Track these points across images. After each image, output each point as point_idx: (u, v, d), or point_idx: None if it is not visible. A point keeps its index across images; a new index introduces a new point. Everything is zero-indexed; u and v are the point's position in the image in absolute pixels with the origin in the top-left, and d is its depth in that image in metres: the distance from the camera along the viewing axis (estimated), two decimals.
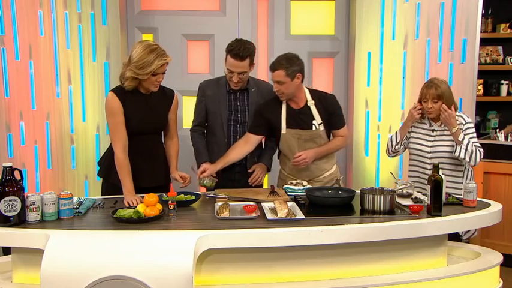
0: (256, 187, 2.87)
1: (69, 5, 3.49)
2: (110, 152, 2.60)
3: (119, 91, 2.52)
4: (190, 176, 2.65)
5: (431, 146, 2.82)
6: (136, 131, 2.54)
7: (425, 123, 2.88)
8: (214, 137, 2.91)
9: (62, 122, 3.57)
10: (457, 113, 2.83)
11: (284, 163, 2.93)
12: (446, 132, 2.80)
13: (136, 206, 2.20)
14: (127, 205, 2.32)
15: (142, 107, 2.55)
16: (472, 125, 2.83)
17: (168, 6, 3.78)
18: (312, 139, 2.78)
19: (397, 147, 2.94)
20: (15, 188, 2.01)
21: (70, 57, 3.53)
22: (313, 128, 2.77)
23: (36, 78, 3.50)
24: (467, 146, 2.67)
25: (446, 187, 2.52)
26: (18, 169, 2.07)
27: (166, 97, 2.66)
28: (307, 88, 2.84)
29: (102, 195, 2.67)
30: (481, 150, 2.76)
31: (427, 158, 2.82)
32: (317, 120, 2.77)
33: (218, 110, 2.85)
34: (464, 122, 2.79)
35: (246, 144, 2.80)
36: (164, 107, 2.65)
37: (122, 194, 2.46)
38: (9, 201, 1.98)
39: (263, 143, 3.02)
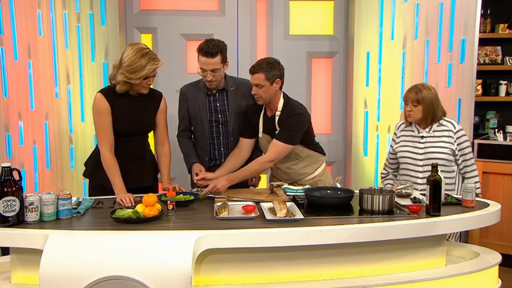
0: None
1: (68, 5, 3.49)
2: (95, 152, 2.61)
3: (107, 92, 2.52)
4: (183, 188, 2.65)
5: (422, 154, 2.79)
6: (124, 132, 2.54)
7: (413, 130, 2.85)
8: (197, 141, 2.91)
9: (61, 122, 3.57)
10: (446, 119, 2.81)
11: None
12: (436, 138, 2.77)
13: (131, 206, 2.21)
14: (120, 203, 2.33)
15: (130, 108, 2.55)
16: (464, 132, 2.79)
17: (167, 6, 3.78)
18: None
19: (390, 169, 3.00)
20: (14, 188, 2.00)
21: (69, 58, 3.53)
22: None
23: (35, 79, 3.50)
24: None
25: None
26: (17, 169, 2.07)
27: (154, 99, 2.66)
28: (285, 98, 2.75)
29: (89, 195, 2.66)
30: (477, 173, 2.81)
31: (418, 165, 2.80)
32: (278, 130, 2.71)
33: (199, 112, 2.84)
34: (454, 130, 2.76)
35: (240, 150, 2.81)
36: (151, 109, 2.65)
37: (109, 194, 2.46)
38: (8, 201, 1.98)
39: None
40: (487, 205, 2.37)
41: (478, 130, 4.17)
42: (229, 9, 3.78)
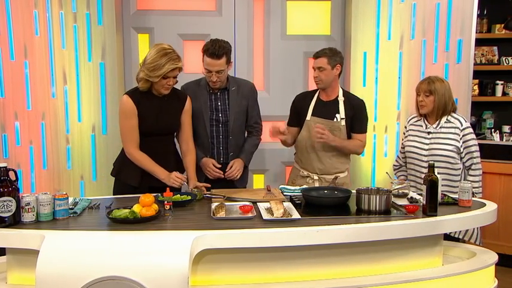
0: (233, 182, 2.90)
1: (65, 5, 3.48)
2: (122, 152, 2.68)
3: (133, 93, 2.59)
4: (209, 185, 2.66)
5: (427, 149, 2.82)
6: (149, 132, 2.60)
7: (421, 125, 2.89)
8: (198, 139, 2.91)
9: (58, 122, 3.56)
10: (455, 115, 2.83)
11: (298, 157, 3.03)
12: (442, 135, 2.80)
13: (183, 183, 2.49)
14: (177, 184, 2.49)
15: (155, 108, 2.60)
16: (471, 129, 2.82)
17: (164, 6, 3.77)
18: (331, 130, 2.86)
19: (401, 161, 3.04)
20: (10, 189, 2.00)
21: (65, 57, 3.52)
22: (335, 119, 2.88)
23: (31, 78, 3.49)
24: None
25: (443, 189, 2.52)
26: (13, 169, 2.06)
27: (179, 99, 2.71)
28: (342, 88, 2.99)
29: (114, 194, 2.71)
30: (480, 172, 2.83)
31: (423, 161, 2.82)
32: (341, 114, 2.89)
33: (200, 111, 2.85)
34: (461, 127, 2.78)
35: (290, 135, 2.96)
36: (177, 109, 2.70)
37: (133, 193, 2.52)
38: (4, 201, 1.97)
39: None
40: (484, 205, 2.38)
41: (475, 130, 4.16)
42: (226, 9, 3.78)
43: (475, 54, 3.84)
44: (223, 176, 2.85)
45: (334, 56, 2.84)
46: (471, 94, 3.75)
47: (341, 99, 2.92)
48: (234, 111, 2.88)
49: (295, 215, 2.13)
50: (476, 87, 4.11)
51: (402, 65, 3.69)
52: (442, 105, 2.78)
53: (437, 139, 2.80)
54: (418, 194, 2.54)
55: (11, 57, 3.44)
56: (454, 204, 2.37)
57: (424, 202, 2.21)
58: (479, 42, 3.95)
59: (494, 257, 2.33)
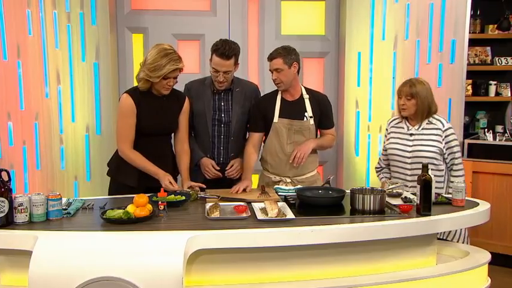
0: (233, 183, 2.86)
1: (58, 4, 3.46)
2: (117, 152, 2.66)
3: (133, 92, 2.58)
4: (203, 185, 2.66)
5: (410, 151, 2.79)
6: (148, 131, 2.60)
7: (403, 127, 2.86)
8: (199, 138, 2.91)
9: (51, 122, 3.54)
10: (436, 116, 2.81)
11: (266, 163, 2.92)
12: (424, 137, 2.78)
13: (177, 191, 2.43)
14: (170, 188, 2.45)
15: (155, 108, 2.60)
16: (453, 131, 2.79)
17: (158, 6, 3.77)
18: (301, 131, 2.82)
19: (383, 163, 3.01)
20: (3, 189, 1.99)
21: (59, 57, 3.51)
22: (305, 119, 2.83)
23: (24, 78, 3.47)
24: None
25: None
26: (5, 170, 2.05)
27: (178, 100, 2.71)
28: (303, 86, 2.92)
29: (110, 195, 2.69)
30: (463, 173, 2.82)
31: (407, 163, 2.80)
32: (308, 113, 2.84)
33: (203, 110, 2.85)
34: (443, 128, 2.77)
35: (255, 146, 2.87)
36: (175, 110, 2.70)
37: (130, 193, 2.50)
38: None
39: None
40: (477, 204, 2.39)
41: (468, 130, 4.20)
42: (221, 9, 3.78)
43: (468, 54, 3.86)
44: (221, 176, 2.84)
45: (288, 54, 2.74)
46: (465, 94, 3.77)
47: (306, 97, 2.85)
48: (236, 112, 2.88)
49: (290, 215, 2.13)
50: (469, 87, 4.13)
51: (396, 65, 3.71)
52: (426, 108, 2.76)
53: (420, 141, 2.78)
54: (412, 194, 2.55)
55: (4, 57, 3.42)
56: (448, 204, 2.38)
57: (418, 202, 2.21)
58: (472, 43, 3.97)
59: (487, 256, 2.34)
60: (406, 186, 2.74)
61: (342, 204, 2.37)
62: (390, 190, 2.51)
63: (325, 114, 2.90)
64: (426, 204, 2.19)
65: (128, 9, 3.74)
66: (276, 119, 2.83)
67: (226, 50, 2.68)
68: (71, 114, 3.56)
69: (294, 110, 2.83)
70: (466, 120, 4.10)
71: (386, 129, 2.98)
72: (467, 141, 3.81)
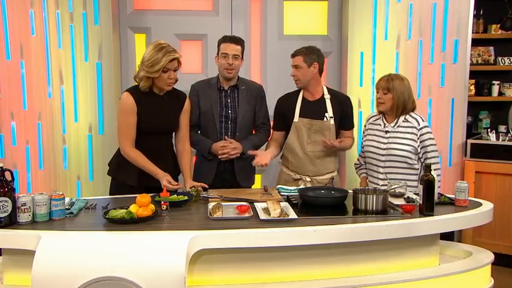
0: (239, 183, 2.91)
1: (61, 5, 3.47)
2: (118, 152, 2.67)
3: (134, 91, 2.59)
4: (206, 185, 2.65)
5: (384, 148, 2.76)
6: (149, 130, 2.60)
7: (380, 124, 2.83)
8: (206, 136, 2.93)
9: (54, 122, 3.55)
10: (413, 114, 2.77)
11: (287, 160, 2.96)
12: (399, 134, 2.75)
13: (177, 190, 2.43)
14: (169, 187, 2.43)
15: (155, 107, 2.60)
16: (429, 129, 2.75)
17: (161, 6, 3.77)
18: (321, 131, 2.85)
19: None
20: (6, 189, 1.99)
21: (62, 57, 3.52)
22: (325, 119, 2.85)
23: (27, 78, 3.48)
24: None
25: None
26: (9, 170, 2.05)
27: (179, 99, 2.72)
28: (325, 86, 2.97)
29: (111, 194, 2.70)
30: (439, 165, 2.78)
31: (380, 161, 2.78)
32: (329, 113, 2.86)
33: (210, 107, 2.89)
34: (418, 126, 2.72)
35: (277, 142, 2.96)
36: (176, 109, 2.71)
37: (131, 193, 2.50)
38: (0, 202, 1.96)
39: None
40: (480, 204, 2.38)
41: (471, 130, 4.19)
42: (223, 9, 3.78)
43: (471, 54, 3.85)
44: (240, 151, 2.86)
45: (310, 54, 2.81)
46: (467, 94, 3.76)
47: (327, 97, 2.89)
48: (243, 108, 2.92)
49: (292, 215, 2.13)
50: (472, 87, 4.11)
51: (399, 65, 3.70)
52: (401, 104, 2.73)
53: (395, 138, 2.75)
54: (415, 194, 2.54)
55: (7, 57, 3.43)
56: (451, 204, 2.38)
57: (421, 202, 2.21)
58: (475, 43, 3.96)
59: (490, 257, 2.33)
60: (377, 184, 2.73)
61: (344, 204, 2.37)
62: (393, 190, 2.51)
63: (346, 115, 2.93)
64: (429, 204, 2.19)
65: (131, 9, 3.75)
66: (296, 118, 2.88)
67: (233, 37, 2.86)
68: (73, 114, 3.57)
69: (314, 109, 2.87)
70: (469, 120, 4.09)
71: (365, 126, 2.96)
72: (470, 141, 3.80)
